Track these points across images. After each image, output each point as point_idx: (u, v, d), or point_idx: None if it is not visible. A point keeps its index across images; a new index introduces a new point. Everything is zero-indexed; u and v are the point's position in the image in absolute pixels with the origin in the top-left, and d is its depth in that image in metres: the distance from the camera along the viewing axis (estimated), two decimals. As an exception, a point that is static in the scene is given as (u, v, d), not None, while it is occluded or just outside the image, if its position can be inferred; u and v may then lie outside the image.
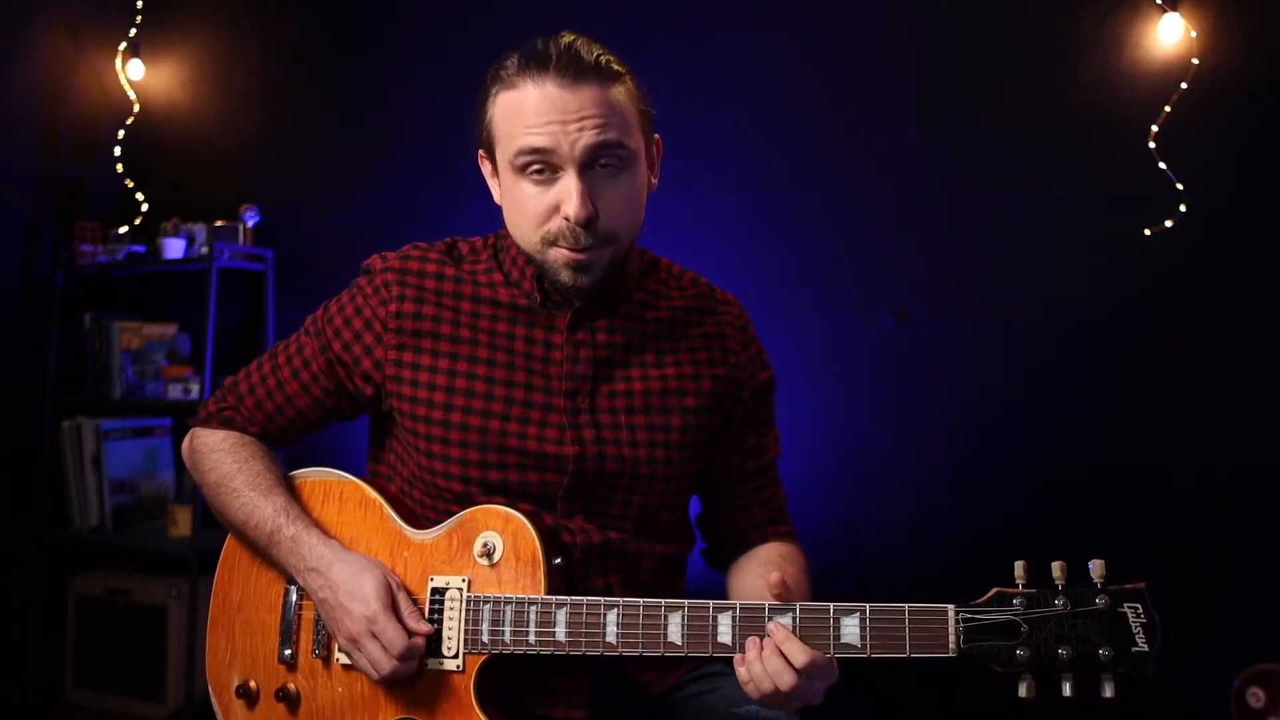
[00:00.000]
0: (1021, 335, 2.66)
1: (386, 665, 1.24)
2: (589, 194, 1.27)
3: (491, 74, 1.34)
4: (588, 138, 1.26)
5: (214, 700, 1.41)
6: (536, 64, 1.27)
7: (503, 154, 1.32)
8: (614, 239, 1.32)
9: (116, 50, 3.50)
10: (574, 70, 1.26)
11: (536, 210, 1.30)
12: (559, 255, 1.31)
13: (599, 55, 1.29)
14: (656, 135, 1.42)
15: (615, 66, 1.31)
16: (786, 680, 1.14)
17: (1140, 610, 1.09)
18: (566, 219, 1.27)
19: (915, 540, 2.73)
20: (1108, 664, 1.08)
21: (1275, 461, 2.46)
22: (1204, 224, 2.50)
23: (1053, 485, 2.62)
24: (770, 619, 1.18)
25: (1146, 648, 1.08)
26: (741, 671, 1.17)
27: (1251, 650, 2.41)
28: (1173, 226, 2.52)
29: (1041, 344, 2.65)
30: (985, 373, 2.70)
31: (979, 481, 2.69)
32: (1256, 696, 2.37)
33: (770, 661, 1.15)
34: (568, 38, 1.29)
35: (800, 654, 1.14)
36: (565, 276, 1.32)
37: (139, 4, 3.52)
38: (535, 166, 1.28)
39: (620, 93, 1.30)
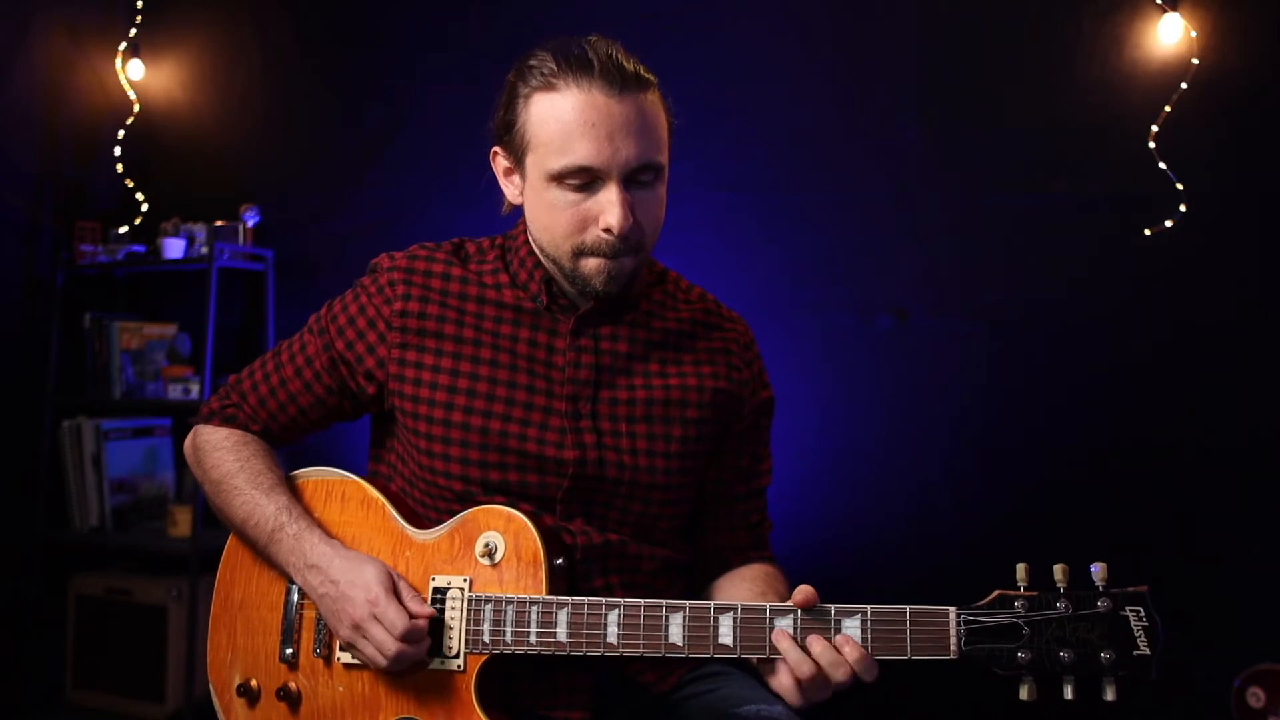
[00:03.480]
0: (1021, 335, 2.66)
1: (391, 647, 1.23)
2: (630, 206, 1.27)
3: (521, 70, 1.31)
4: (632, 154, 1.26)
5: (215, 699, 1.41)
6: (579, 67, 1.25)
7: (538, 161, 1.30)
8: (644, 247, 1.34)
9: (116, 50, 3.50)
10: (619, 78, 1.25)
11: (572, 220, 1.29)
12: (594, 264, 1.31)
13: (636, 64, 1.28)
14: None
15: (649, 76, 1.30)
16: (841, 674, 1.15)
17: (1142, 613, 1.09)
18: (608, 231, 1.27)
19: (915, 540, 2.73)
20: (1109, 667, 1.08)
21: (1275, 462, 2.46)
22: (1204, 224, 2.50)
23: (1053, 485, 2.62)
24: (774, 621, 1.18)
25: (1148, 651, 1.08)
26: (796, 656, 1.16)
27: (1251, 650, 2.41)
28: (1173, 226, 2.52)
29: (1041, 344, 2.65)
30: (985, 373, 2.70)
31: (979, 481, 2.69)
32: (1256, 696, 2.37)
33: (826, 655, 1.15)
34: (601, 43, 1.28)
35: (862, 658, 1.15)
36: (599, 282, 1.32)
37: (139, 4, 3.52)
38: (576, 181, 1.27)
39: (658, 106, 1.31)
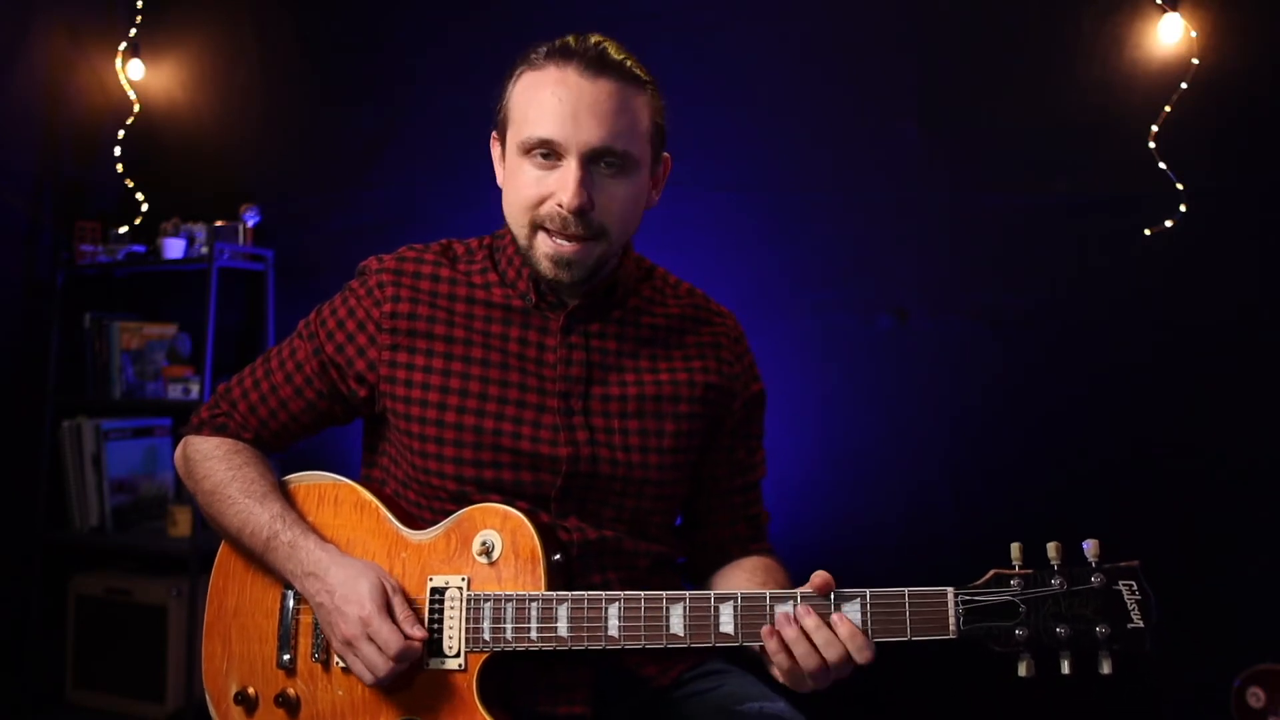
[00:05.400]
0: (1021, 335, 2.66)
1: (383, 667, 1.23)
2: (587, 185, 1.29)
3: (520, 59, 1.37)
4: (594, 136, 1.29)
5: (212, 709, 1.40)
6: (563, 53, 1.31)
7: (514, 134, 1.35)
8: (603, 235, 1.33)
9: (116, 50, 3.50)
10: (598, 64, 1.30)
11: (533, 194, 1.32)
12: (544, 243, 1.33)
13: (625, 58, 1.33)
14: (666, 154, 1.44)
15: (640, 73, 1.34)
16: (834, 653, 1.15)
17: (1135, 587, 1.10)
18: (560, 205, 1.29)
19: (914, 540, 2.72)
20: (1105, 641, 1.10)
21: (1275, 462, 2.46)
22: (1204, 224, 2.50)
23: (1052, 486, 2.62)
24: (774, 607, 1.18)
25: (1142, 624, 1.09)
26: (790, 632, 1.16)
27: (1251, 650, 2.41)
28: (1173, 226, 2.52)
29: (1041, 344, 2.65)
30: (985, 373, 2.70)
31: (978, 481, 2.69)
32: (1256, 696, 2.37)
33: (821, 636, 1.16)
34: (596, 36, 1.33)
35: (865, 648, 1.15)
36: (545, 267, 1.34)
37: (139, 4, 3.52)
38: (541, 152, 1.30)
39: (637, 99, 1.33)
